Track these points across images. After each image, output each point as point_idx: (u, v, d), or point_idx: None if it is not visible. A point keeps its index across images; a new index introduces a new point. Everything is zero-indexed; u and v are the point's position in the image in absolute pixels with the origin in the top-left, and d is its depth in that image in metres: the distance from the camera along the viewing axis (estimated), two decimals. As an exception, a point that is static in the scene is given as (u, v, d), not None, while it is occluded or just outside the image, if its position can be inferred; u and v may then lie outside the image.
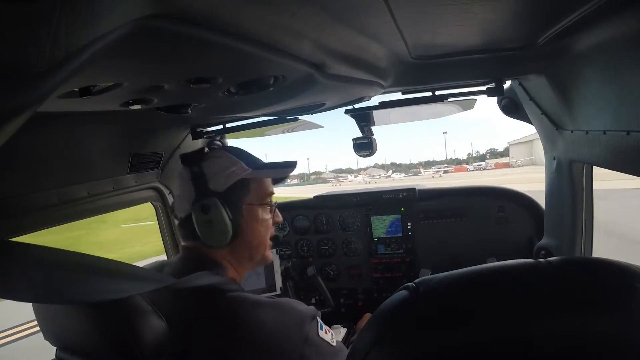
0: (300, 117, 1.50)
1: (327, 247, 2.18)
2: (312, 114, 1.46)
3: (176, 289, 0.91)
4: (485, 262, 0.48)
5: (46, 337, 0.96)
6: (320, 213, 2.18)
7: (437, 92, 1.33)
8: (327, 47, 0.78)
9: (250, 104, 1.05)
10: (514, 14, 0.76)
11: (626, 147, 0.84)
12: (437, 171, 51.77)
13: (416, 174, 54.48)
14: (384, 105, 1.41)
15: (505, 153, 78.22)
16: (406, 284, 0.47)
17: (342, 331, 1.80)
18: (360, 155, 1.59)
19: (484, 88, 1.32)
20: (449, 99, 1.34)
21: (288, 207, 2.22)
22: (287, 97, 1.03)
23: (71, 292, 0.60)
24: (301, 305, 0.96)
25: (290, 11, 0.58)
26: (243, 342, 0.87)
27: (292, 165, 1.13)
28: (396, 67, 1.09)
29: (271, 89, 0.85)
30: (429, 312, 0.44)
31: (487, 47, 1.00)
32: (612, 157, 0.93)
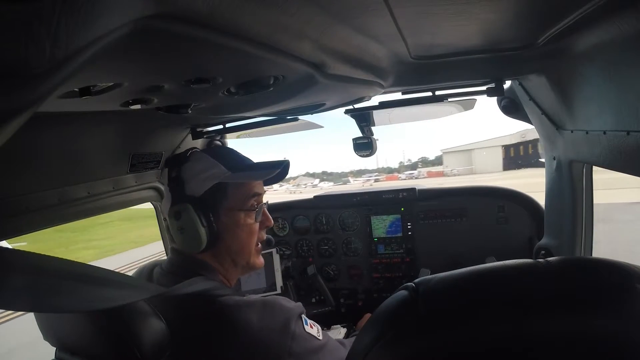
0: (300, 117, 1.50)
1: (327, 247, 2.18)
2: (312, 114, 1.46)
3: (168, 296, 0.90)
4: (485, 262, 0.48)
5: (46, 338, 0.96)
6: (320, 213, 2.18)
7: (437, 92, 1.33)
8: (327, 47, 0.77)
9: (250, 104, 1.05)
10: (514, 14, 0.76)
11: (626, 147, 0.84)
12: (368, 180, 50.33)
13: (345, 182, 53.05)
14: (384, 105, 1.41)
15: (437, 161, 74.87)
16: (406, 284, 0.47)
17: (342, 331, 1.80)
18: (360, 155, 1.60)
19: (484, 88, 1.32)
20: (449, 99, 1.34)
21: (288, 207, 2.22)
22: (287, 97, 1.03)
23: (66, 302, 0.60)
24: (288, 302, 0.95)
25: (290, 11, 0.58)
26: (233, 343, 0.88)
27: (279, 165, 1.03)
28: (396, 67, 1.09)
29: (271, 89, 0.85)
30: (428, 312, 0.44)
31: (487, 47, 0.99)
32: (612, 157, 0.93)
